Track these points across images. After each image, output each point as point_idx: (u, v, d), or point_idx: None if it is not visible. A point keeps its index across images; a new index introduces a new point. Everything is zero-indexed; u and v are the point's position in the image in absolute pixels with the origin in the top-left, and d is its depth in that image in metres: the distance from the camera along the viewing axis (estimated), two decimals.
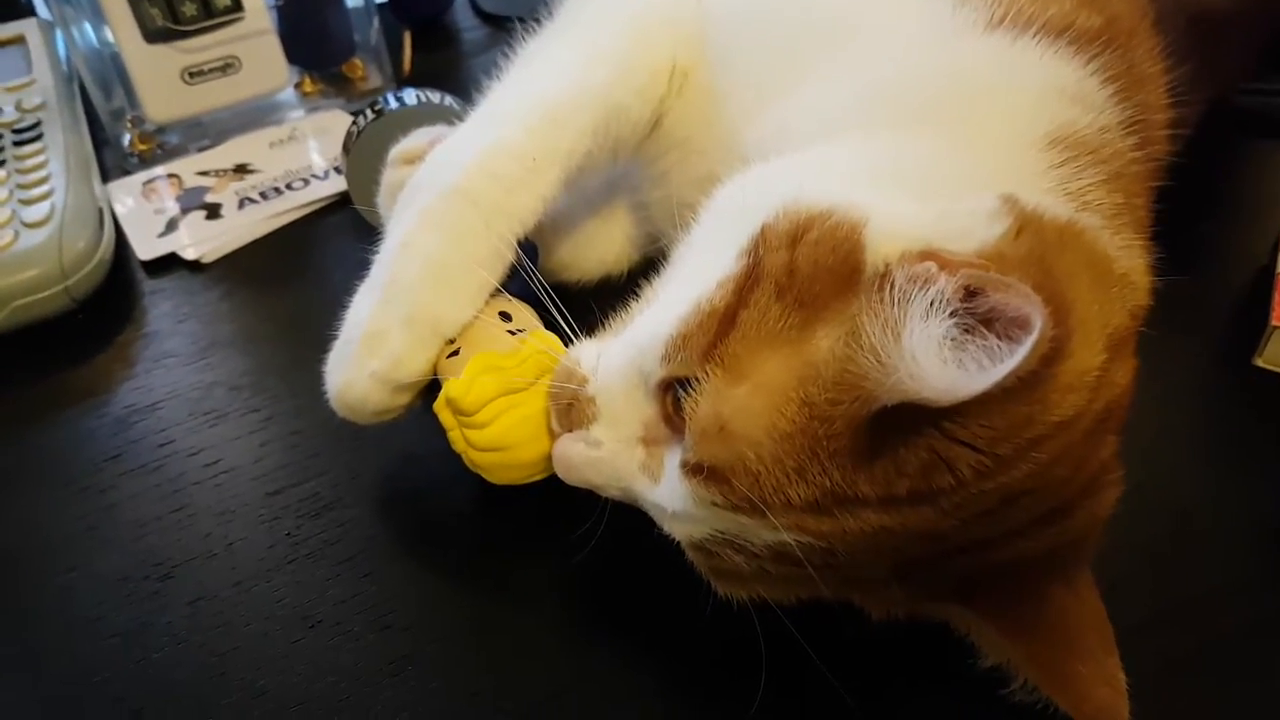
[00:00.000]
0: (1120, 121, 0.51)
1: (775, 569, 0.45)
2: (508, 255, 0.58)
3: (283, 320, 0.77)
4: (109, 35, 0.92)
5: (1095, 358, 0.42)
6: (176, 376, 0.73)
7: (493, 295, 0.59)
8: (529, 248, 0.66)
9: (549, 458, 0.56)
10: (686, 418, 0.44)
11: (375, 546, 0.60)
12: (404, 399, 0.58)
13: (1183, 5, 0.63)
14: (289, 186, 0.88)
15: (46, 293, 0.75)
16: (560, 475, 0.52)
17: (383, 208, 0.67)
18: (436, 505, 0.63)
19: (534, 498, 0.58)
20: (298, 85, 1.00)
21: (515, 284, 0.63)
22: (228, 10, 0.92)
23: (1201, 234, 0.72)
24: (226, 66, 0.94)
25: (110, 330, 0.77)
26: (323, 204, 0.88)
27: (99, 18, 0.92)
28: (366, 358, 0.56)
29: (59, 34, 1.00)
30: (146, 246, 0.83)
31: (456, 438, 0.57)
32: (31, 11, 1.09)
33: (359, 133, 0.75)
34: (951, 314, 0.38)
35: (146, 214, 0.87)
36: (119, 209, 0.87)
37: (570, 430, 0.52)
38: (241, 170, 0.91)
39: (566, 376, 0.52)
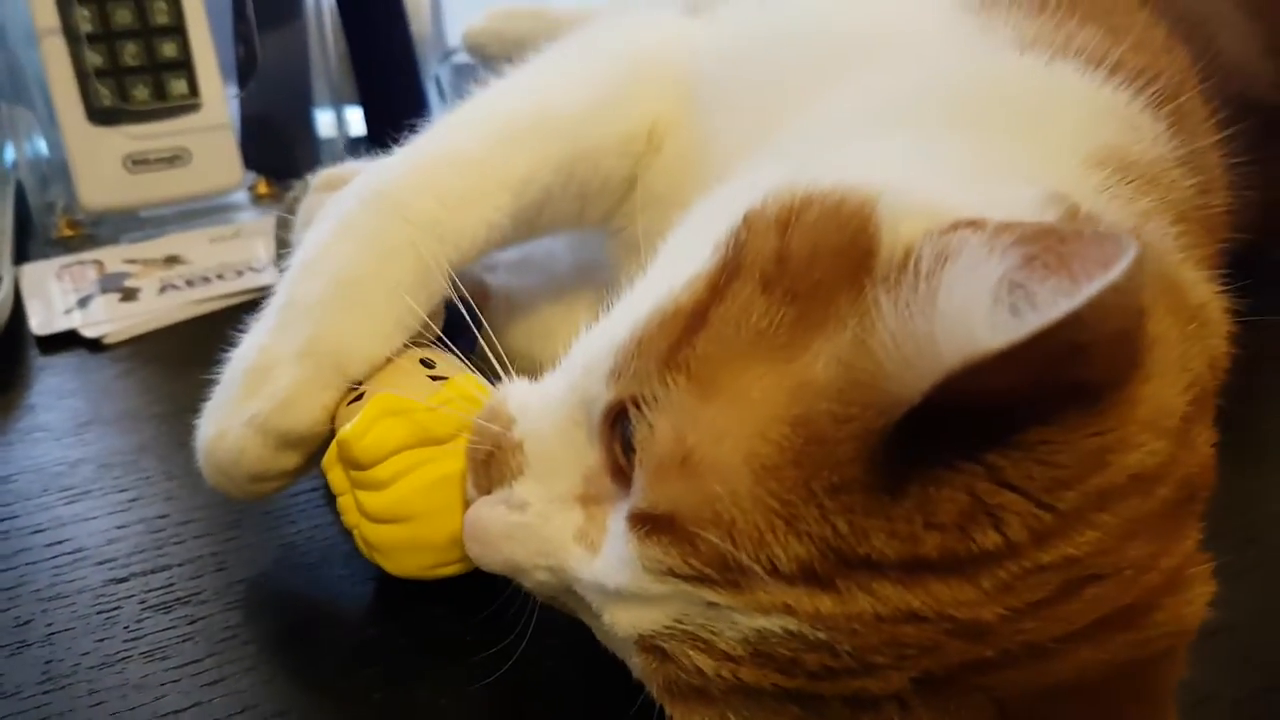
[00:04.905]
0: (1177, 158, 0.43)
1: (754, 678, 0.33)
2: (438, 287, 0.48)
3: (178, 402, 0.65)
4: (57, 137, 0.86)
5: (1176, 396, 0.32)
6: (41, 451, 0.61)
7: (416, 344, 0.49)
8: (472, 317, 0.56)
9: None
10: (638, 447, 0.33)
11: (231, 651, 0.47)
12: (291, 460, 0.47)
13: (1228, 89, 0.56)
14: (219, 276, 0.79)
15: None
16: (472, 555, 0.40)
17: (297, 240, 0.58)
18: (316, 608, 0.50)
19: (442, 598, 0.47)
20: (252, 188, 0.93)
21: (462, 342, 0.53)
22: (184, 98, 0.86)
23: None
24: (175, 158, 0.87)
25: None
26: (255, 295, 0.78)
27: (50, 120, 0.86)
28: (246, 399, 0.45)
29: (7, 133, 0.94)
30: (44, 322, 0.74)
31: (348, 505, 0.45)
32: None
33: (296, 197, 0.67)
34: (1004, 263, 0.28)
35: (55, 292, 0.77)
36: (25, 284, 0.78)
37: (489, 491, 0.40)
38: (172, 261, 0.82)
39: (490, 416, 0.41)
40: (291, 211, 0.64)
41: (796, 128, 0.46)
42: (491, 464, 0.40)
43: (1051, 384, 0.28)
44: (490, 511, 0.39)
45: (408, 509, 0.44)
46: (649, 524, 0.33)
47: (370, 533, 0.45)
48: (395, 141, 0.54)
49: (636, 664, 0.36)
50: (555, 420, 0.38)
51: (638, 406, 0.34)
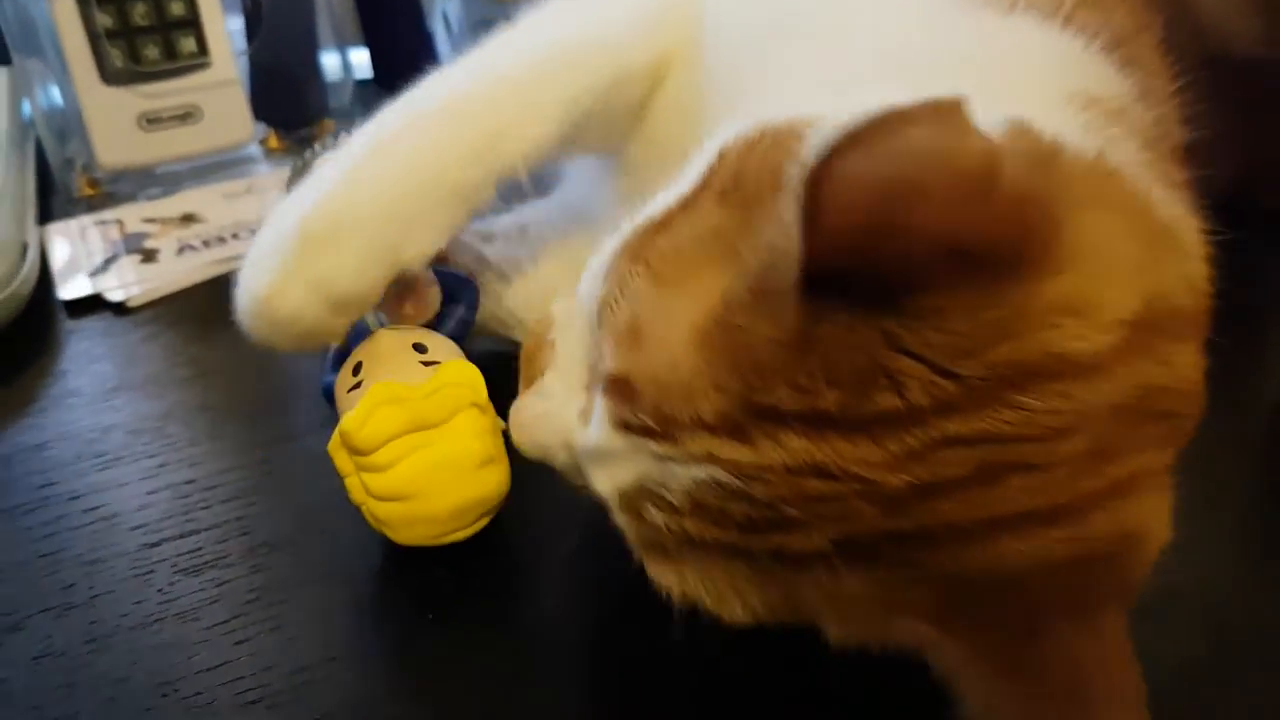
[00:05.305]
0: (1136, 95, 0.45)
1: (696, 529, 0.37)
2: (486, 200, 0.51)
3: (200, 365, 0.70)
4: (72, 90, 0.88)
5: (1113, 295, 0.33)
6: (75, 417, 0.66)
7: (408, 326, 0.53)
8: (469, 290, 0.59)
9: (465, 511, 0.49)
10: (603, 322, 0.39)
11: (256, 612, 0.52)
12: (343, 322, 0.50)
13: (1199, 38, 0.58)
14: (234, 236, 0.83)
15: None
16: (515, 441, 0.45)
17: None
18: (331, 571, 0.55)
19: (445, 562, 0.52)
20: (263, 141, 0.96)
21: (446, 326, 0.57)
22: (193, 56, 0.89)
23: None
24: (187, 116, 0.90)
25: (14, 368, 0.71)
26: None
27: (64, 73, 0.88)
28: (310, 261, 0.48)
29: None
30: (71, 287, 0.78)
31: (354, 485, 0.50)
32: (7, 60, 1.06)
33: (305, 163, 0.70)
34: None
35: (78, 255, 0.81)
36: (50, 246, 0.81)
37: (532, 384, 0.46)
38: (188, 219, 0.86)
39: (540, 322, 0.47)
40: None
41: (775, 96, 0.48)
42: (533, 362, 0.46)
43: (916, 239, 0.30)
44: (528, 401, 0.45)
45: (409, 489, 0.48)
46: (612, 385, 0.38)
47: (376, 509, 0.49)
48: (403, 84, 0.56)
49: (620, 523, 0.40)
50: (571, 319, 0.44)
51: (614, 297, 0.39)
